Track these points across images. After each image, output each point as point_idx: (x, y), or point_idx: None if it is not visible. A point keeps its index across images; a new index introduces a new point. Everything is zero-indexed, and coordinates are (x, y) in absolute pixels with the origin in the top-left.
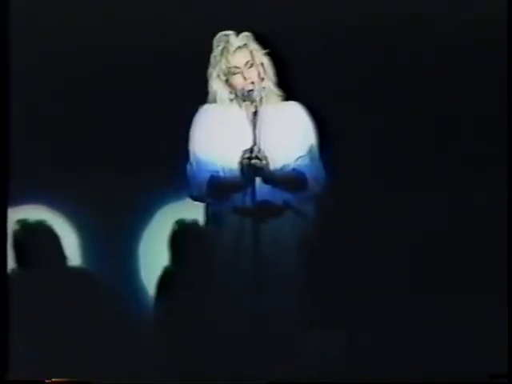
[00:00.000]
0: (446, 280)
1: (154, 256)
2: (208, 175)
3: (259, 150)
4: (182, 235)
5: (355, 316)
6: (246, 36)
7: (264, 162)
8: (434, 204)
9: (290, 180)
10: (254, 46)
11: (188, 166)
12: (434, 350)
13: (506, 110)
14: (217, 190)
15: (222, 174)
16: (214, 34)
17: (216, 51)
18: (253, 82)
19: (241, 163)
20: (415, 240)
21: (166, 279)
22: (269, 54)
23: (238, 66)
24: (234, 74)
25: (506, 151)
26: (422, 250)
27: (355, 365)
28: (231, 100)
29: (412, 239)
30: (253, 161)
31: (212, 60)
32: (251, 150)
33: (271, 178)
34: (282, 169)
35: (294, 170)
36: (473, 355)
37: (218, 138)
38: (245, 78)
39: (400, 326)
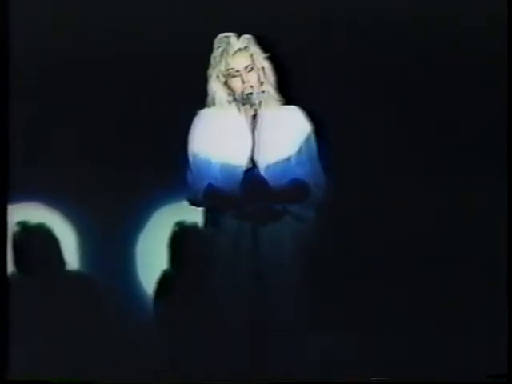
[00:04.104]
0: (445, 280)
1: (152, 258)
2: (206, 183)
3: (258, 173)
4: (181, 237)
5: (355, 318)
6: (246, 38)
7: (264, 186)
8: (434, 204)
9: (292, 193)
10: (254, 48)
11: (188, 172)
12: (434, 349)
13: (506, 109)
14: (214, 199)
15: (220, 180)
16: (215, 36)
17: (216, 52)
18: (252, 86)
19: (241, 187)
20: (415, 241)
21: (165, 281)
22: (269, 58)
23: (237, 68)
24: (233, 76)
25: (506, 151)
26: (422, 251)
27: (355, 365)
28: (230, 102)
29: (412, 240)
30: (252, 188)
31: (212, 61)
32: (251, 175)
33: (273, 198)
34: (281, 177)
35: (294, 179)
36: (473, 355)
37: (217, 142)
38: (244, 82)
39: (400, 327)
